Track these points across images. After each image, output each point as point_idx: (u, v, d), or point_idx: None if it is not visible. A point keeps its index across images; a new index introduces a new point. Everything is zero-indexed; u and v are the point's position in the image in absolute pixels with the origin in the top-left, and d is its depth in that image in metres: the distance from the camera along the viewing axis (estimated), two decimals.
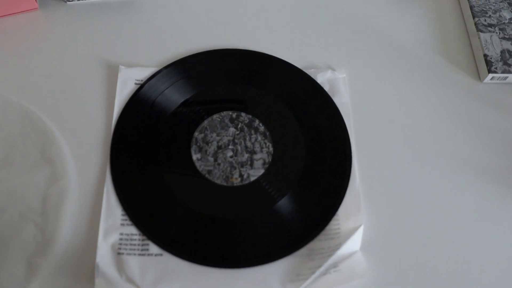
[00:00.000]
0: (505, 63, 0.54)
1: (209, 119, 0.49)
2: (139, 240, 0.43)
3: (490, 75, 0.55)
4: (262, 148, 0.48)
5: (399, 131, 0.52)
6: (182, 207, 0.45)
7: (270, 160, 0.48)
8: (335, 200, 0.47)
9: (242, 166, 0.47)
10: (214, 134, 0.49)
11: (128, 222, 0.44)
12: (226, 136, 0.48)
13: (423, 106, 0.54)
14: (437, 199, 0.48)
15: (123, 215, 0.45)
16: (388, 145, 0.52)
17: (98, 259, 0.42)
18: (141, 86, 0.51)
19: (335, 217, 0.46)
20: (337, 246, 0.44)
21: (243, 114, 0.50)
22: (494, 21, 0.57)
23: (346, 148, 0.50)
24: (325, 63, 0.54)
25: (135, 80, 0.52)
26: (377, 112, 0.53)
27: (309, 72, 0.54)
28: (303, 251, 0.44)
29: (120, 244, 0.43)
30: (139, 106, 0.50)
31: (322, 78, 0.54)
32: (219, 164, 0.47)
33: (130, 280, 0.41)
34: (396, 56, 0.56)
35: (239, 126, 0.49)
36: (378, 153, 0.51)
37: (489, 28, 0.57)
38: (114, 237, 0.43)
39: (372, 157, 0.51)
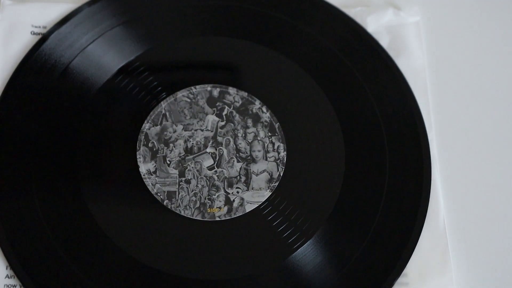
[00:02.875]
0: None
1: (170, 99, 0.43)
2: None
3: None
4: (267, 152, 0.42)
5: None
6: (119, 257, 0.38)
7: (282, 174, 0.41)
8: (401, 248, 0.39)
9: (230, 185, 0.41)
10: (180, 128, 0.42)
11: (16, 283, 0.39)
12: (202, 130, 0.42)
13: None
14: None
15: (7, 275, 0.38)
16: (499, 147, 0.44)
17: None
18: (44, 38, 0.44)
19: (402, 279, 0.39)
20: None
21: (232, 90, 0.43)
22: None
23: (420, 153, 0.42)
24: None
25: (32, 26, 0.45)
26: (479, 87, 0.46)
27: (354, 13, 0.46)
28: None
29: None
30: (38, 75, 0.43)
31: (376, 24, 0.46)
32: (188, 182, 0.40)
33: None
34: None
35: (226, 112, 0.43)
36: (481, 161, 0.44)
37: None
38: None
39: (470, 169, 0.43)
